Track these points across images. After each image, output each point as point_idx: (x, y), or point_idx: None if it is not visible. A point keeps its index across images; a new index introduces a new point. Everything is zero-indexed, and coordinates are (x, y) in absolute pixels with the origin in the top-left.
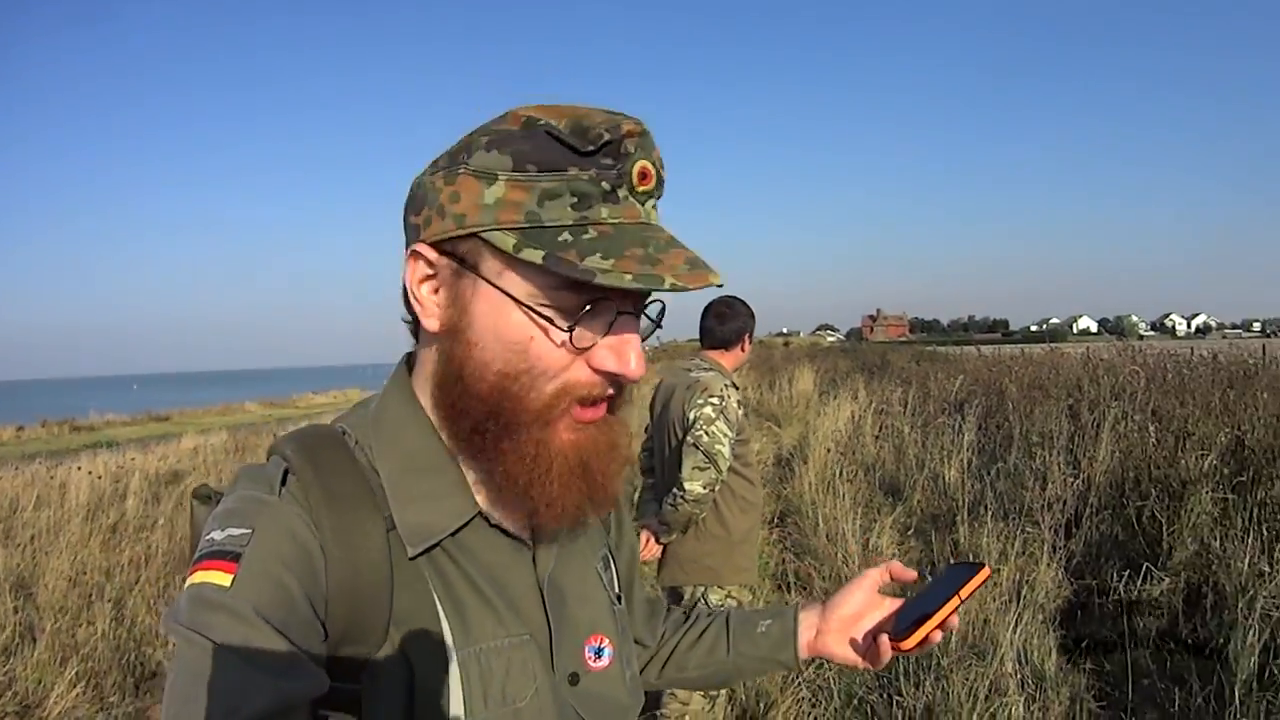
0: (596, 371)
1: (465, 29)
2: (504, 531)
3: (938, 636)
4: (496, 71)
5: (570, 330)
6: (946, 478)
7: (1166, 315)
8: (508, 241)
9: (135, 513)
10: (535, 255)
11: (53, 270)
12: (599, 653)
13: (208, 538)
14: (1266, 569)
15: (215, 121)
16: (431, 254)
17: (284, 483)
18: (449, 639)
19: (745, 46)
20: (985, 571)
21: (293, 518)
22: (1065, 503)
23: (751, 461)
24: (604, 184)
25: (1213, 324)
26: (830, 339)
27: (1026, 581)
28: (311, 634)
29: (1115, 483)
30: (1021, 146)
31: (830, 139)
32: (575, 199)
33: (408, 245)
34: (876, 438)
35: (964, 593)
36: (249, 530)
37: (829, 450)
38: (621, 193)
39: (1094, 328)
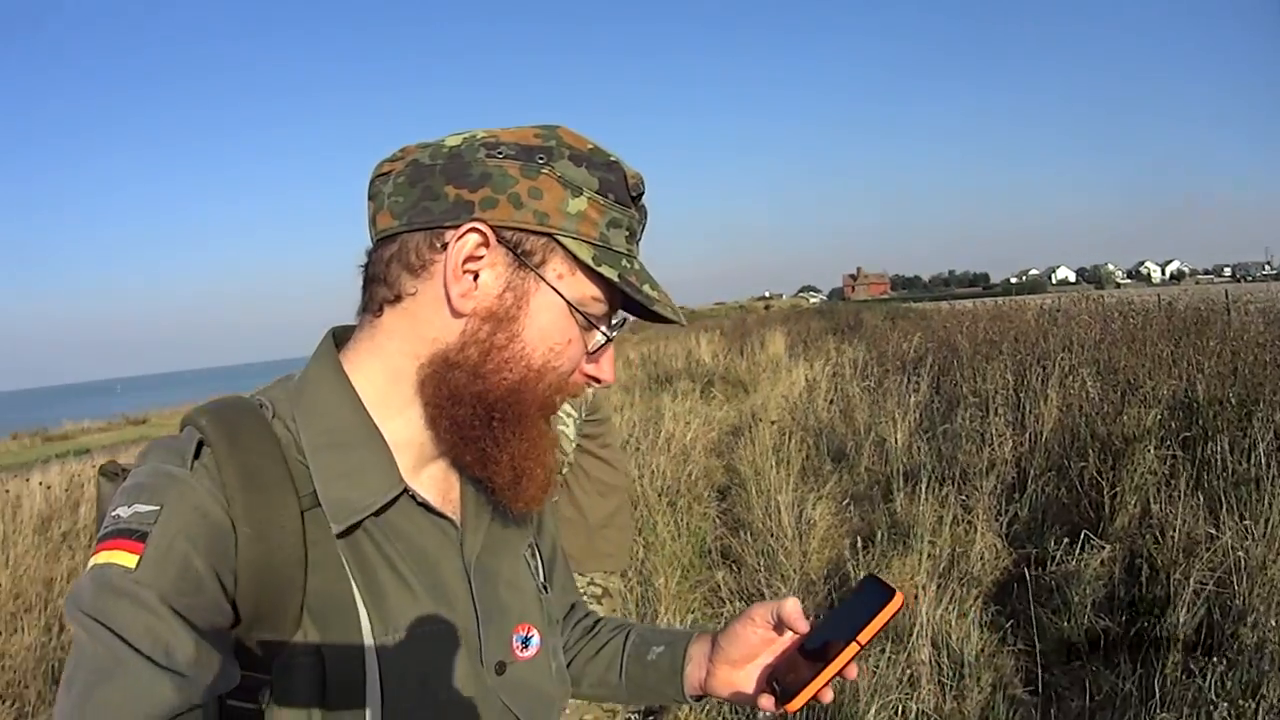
0: (583, 374)
1: None
2: (430, 510)
3: (828, 696)
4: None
5: (609, 337)
6: (893, 441)
7: (1141, 263)
8: (586, 252)
9: (88, 519)
10: (611, 272)
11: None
12: (526, 642)
13: (113, 514)
14: (1213, 531)
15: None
16: (492, 237)
17: (197, 455)
18: (365, 625)
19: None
20: (896, 602)
21: (204, 493)
22: (1006, 465)
23: (611, 442)
24: (637, 228)
25: (1185, 270)
26: (813, 300)
27: (961, 553)
28: (220, 620)
29: (1061, 442)
30: (1001, 96)
31: (805, 105)
32: (627, 233)
33: (445, 216)
34: (830, 402)
35: (863, 637)
36: (157, 507)
37: (774, 421)
38: (639, 237)
39: (1072, 278)
